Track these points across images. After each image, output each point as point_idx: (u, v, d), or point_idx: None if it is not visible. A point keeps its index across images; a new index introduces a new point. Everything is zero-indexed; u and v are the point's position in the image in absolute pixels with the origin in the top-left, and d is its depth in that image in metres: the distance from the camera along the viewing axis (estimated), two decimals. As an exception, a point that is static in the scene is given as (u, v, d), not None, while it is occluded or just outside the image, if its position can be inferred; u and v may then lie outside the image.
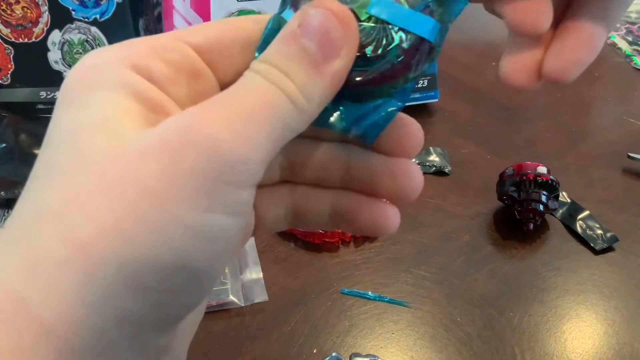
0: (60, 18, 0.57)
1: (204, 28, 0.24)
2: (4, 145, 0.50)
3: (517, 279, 0.43)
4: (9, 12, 0.57)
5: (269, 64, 0.21)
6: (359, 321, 0.39)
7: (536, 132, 0.61)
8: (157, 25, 0.63)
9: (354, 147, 0.27)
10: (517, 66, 0.24)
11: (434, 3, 0.23)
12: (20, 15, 0.57)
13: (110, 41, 0.58)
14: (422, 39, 0.23)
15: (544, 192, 0.46)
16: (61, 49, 0.59)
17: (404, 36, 0.22)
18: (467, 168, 0.54)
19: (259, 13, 0.57)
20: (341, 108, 0.23)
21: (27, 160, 0.49)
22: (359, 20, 0.22)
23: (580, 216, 0.48)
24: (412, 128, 0.26)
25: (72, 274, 0.18)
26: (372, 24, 0.22)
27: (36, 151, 0.50)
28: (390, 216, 0.27)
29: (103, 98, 0.20)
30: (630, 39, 0.80)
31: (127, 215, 0.18)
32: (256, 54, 0.23)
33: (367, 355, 0.36)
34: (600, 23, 0.24)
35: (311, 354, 0.36)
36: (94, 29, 0.58)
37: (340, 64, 0.22)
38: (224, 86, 0.23)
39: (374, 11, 0.22)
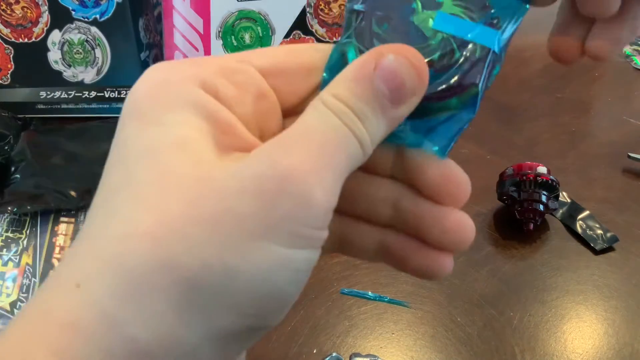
0: (60, 18, 0.57)
1: (270, 52, 0.25)
2: (23, 161, 0.50)
3: (517, 279, 0.43)
4: (9, 12, 0.57)
5: (343, 103, 0.22)
6: (359, 321, 0.39)
7: (536, 132, 0.61)
8: (157, 25, 0.63)
9: (405, 188, 0.27)
10: (563, 43, 0.26)
11: (496, 16, 0.23)
12: (20, 15, 0.57)
13: (110, 41, 0.58)
14: (488, 51, 0.23)
15: (544, 192, 0.46)
16: (61, 49, 0.59)
17: (470, 49, 0.23)
18: (467, 168, 0.54)
19: (259, 13, 0.57)
20: (410, 122, 0.24)
21: (47, 171, 0.49)
22: (424, 35, 0.23)
23: (580, 216, 0.48)
24: (458, 175, 0.26)
25: (171, 298, 0.18)
26: (439, 39, 0.23)
27: (54, 160, 0.50)
28: (443, 264, 0.28)
29: (178, 117, 0.21)
30: (630, 39, 0.80)
31: (229, 250, 0.19)
32: (324, 74, 0.23)
33: (367, 356, 0.36)
34: None
35: (311, 354, 0.36)
36: (93, 29, 0.58)
37: (405, 110, 0.22)
38: (285, 109, 0.25)
39: (439, 26, 0.23)
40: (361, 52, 0.23)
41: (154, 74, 0.22)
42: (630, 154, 0.57)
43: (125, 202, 0.20)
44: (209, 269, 0.19)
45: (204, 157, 0.20)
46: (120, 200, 0.20)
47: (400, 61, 0.22)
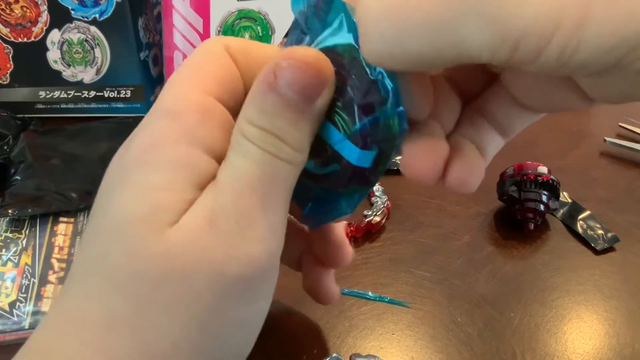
0: (60, 17, 0.57)
1: (211, 73, 0.24)
2: (23, 163, 0.49)
3: (517, 279, 0.43)
4: (8, 11, 0.57)
5: (259, 129, 0.21)
6: (359, 321, 0.39)
7: (536, 132, 0.61)
8: (156, 24, 0.63)
9: None
10: (421, 165, 0.22)
11: (371, 128, 0.21)
12: (20, 14, 0.57)
13: (110, 41, 0.58)
14: (350, 163, 0.22)
15: (545, 192, 0.46)
16: (60, 49, 0.58)
17: (338, 156, 0.23)
18: (468, 168, 0.54)
19: (258, 13, 0.57)
20: (310, 204, 0.27)
21: (47, 173, 0.48)
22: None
23: (580, 216, 0.48)
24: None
25: None
26: (318, 140, 0.23)
27: (54, 161, 0.49)
28: (327, 284, 0.33)
29: (161, 181, 0.21)
30: (630, 38, 0.80)
31: (193, 329, 0.21)
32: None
33: (367, 356, 0.36)
34: (499, 134, 0.24)
35: (311, 354, 0.36)
36: (93, 29, 0.58)
37: (322, 101, 0.21)
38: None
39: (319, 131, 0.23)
40: None
41: (144, 137, 0.22)
42: (606, 138, 0.57)
43: (100, 286, 0.21)
44: (178, 351, 0.21)
45: (166, 229, 0.21)
46: (96, 283, 0.21)
47: (295, 64, 0.20)
